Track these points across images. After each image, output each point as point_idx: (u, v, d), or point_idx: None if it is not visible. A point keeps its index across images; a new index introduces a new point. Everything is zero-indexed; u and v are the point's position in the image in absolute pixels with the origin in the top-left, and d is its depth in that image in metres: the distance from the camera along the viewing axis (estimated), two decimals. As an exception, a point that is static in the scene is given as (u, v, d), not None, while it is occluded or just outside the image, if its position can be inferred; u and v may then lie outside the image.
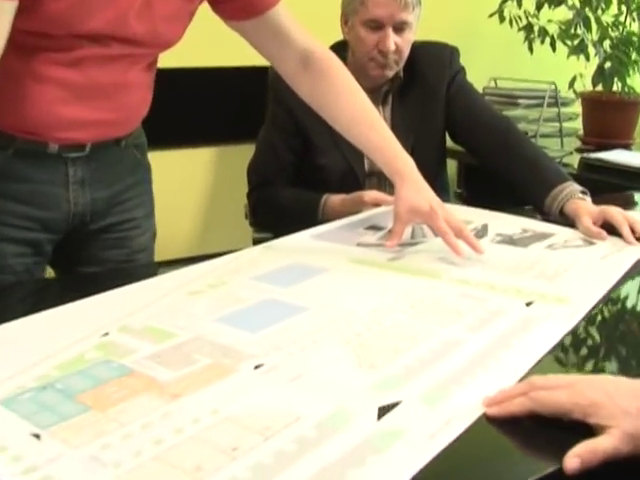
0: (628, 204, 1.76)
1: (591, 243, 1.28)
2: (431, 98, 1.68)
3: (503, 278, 1.06)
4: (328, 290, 1.01)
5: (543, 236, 1.31)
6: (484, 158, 1.64)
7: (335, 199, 1.58)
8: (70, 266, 1.21)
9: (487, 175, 1.77)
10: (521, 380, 0.74)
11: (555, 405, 0.65)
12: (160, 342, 0.83)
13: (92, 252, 1.20)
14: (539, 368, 0.78)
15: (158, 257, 1.32)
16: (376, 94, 1.66)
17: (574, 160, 2.42)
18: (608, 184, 2.04)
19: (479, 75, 2.16)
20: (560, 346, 0.85)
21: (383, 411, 0.68)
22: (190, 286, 1.02)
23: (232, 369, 0.76)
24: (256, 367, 0.77)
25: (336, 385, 0.73)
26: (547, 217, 1.48)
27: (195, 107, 2.14)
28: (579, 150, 2.52)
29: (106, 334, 0.85)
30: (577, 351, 0.87)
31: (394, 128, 1.64)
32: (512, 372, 0.77)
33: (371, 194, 1.50)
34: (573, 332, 0.89)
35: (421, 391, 0.72)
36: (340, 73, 1.24)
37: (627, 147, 2.47)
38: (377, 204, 1.49)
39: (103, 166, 1.16)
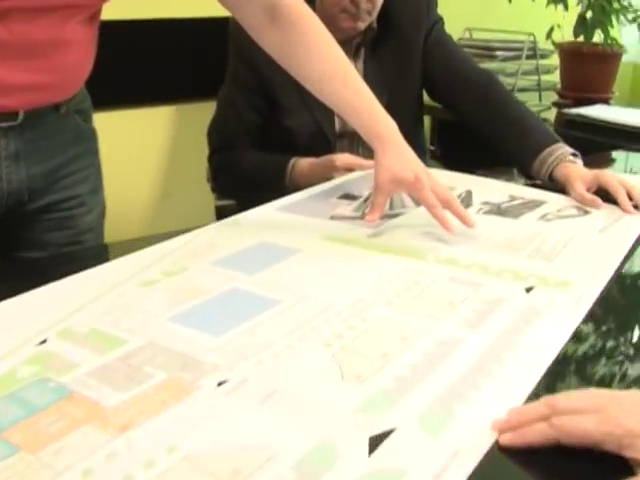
0: (611, 164, 1.66)
1: (586, 212, 1.17)
2: (407, 51, 1.54)
3: (496, 257, 0.95)
4: (301, 277, 0.89)
5: (534, 204, 1.20)
6: (465, 117, 1.52)
7: (303, 163, 1.45)
8: (9, 251, 1.06)
9: (463, 131, 1.65)
10: (535, 392, 0.63)
11: (583, 434, 0.54)
12: (106, 352, 0.70)
13: (33, 235, 1.05)
14: (553, 376, 0.67)
15: (109, 236, 1.18)
16: (347, 47, 1.52)
17: (552, 115, 2.31)
18: (590, 142, 1.93)
19: (452, 26, 2.01)
20: (573, 344, 0.74)
21: (375, 443, 0.56)
22: (143, 275, 0.89)
23: (191, 387, 0.64)
24: (220, 384, 0.65)
25: (317, 407, 0.62)
26: (534, 182, 1.37)
27: (149, 63, 1.97)
28: (557, 104, 2.41)
29: (43, 342, 0.72)
30: (593, 351, 0.76)
31: (367, 84, 1.52)
32: (522, 381, 0.66)
33: (343, 158, 1.38)
34: (584, 324, 0.78)
35: (418, 412, 0.61)
36: (312, 24, 1.09)
37: (606, 101, 2.37)
38: (350, 169, 1.37)
39: (40, 137, 1.00)
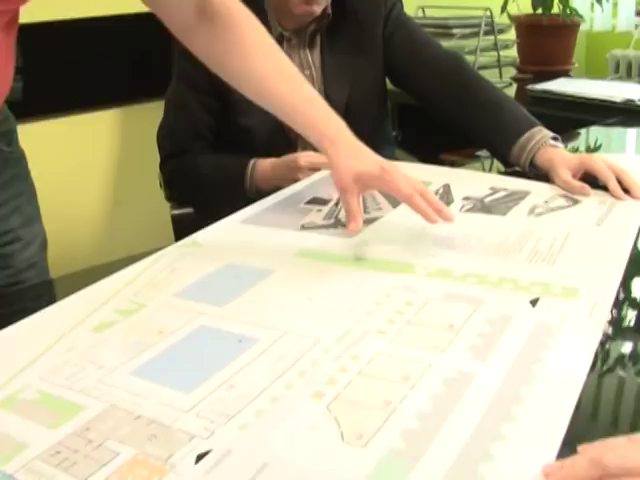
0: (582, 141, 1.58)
1: (575, 201, 1.08)
2: (366, 37, 1.44)
3: (491, 264, 0.85)
4: (277, 305, 0.78)
5: (518, 196, 1.11)
6: (434, 105, 1.41)
7: (265, 164, 1.34)
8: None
9: (425, 114, 1.55)
10: (567, 439, 0.54)
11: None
12: (60, 424, 0.59)
13: (-35, 278, 0.93)
14: (582, 414, 0.58)
15: (55, 268, 1.05)
16: (301, 36, 1.41)
17: (513, 91, 2.23)
18: (556, 118, 1.85)
19: (405, 4, 1.92)
20: (597, 369, 0.65)
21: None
22: (96, 316, 0.77)
23: (164, 467, 0.53)
24: (199, 458, 0.54)
25: (317, 483, 0.51)
26: (512, 169, 1.28)
27: (87, 65, 1.82)
28: (516, 80, 2.33)
29: (-21, 417, 0.60)
30: (622, 376, 0.67)
31: (326, 76, 1.41)
32: (550, 425, 0.57)
33: (307, 157, 1.27)
34: (604, 342, 0.69)
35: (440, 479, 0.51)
36: (247, 22, 0.97)
37: (566, 73, 2.30)
38: (315, 168, 1.26)
39: None
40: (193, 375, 0.65)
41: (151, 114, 1.58)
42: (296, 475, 0.52)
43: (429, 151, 1.90)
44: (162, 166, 1.46)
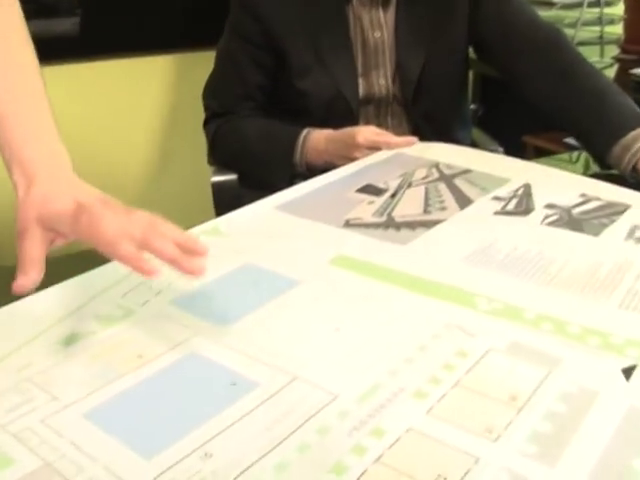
0: None
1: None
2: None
3: (573, 305, 0.67)
4: (293, 333, 0.61)
5: (615, 210, 0.90)
6: (524, 84, 1.21)
7: (318, 136, 1.17)
8: None
9: (511, 91, 1.35)
10: None
11: None
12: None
13: None
14: None
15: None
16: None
17: (612, 72, 1.99)
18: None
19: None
20: None
21: None
22: (69, 322, 0.62)
23: None
24: None
25: None
26: (609, 171, 1.08)
27: (142, 6, 1.66)
28: (619, 60, 2.08)
29: None
30: None
31: (399, 39, 1.21)
32: None
33: (367, 133, 1.09)
34: None
35: None
36: None
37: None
38: (375, 147, 1.08)
39: None
40: (162, 430, 0.49)
41: (206, 64, 1.41)
42: None
43: (511, 132, 1.70)
44: (206, 126, 1.30)
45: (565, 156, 1.73)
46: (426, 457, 0.47)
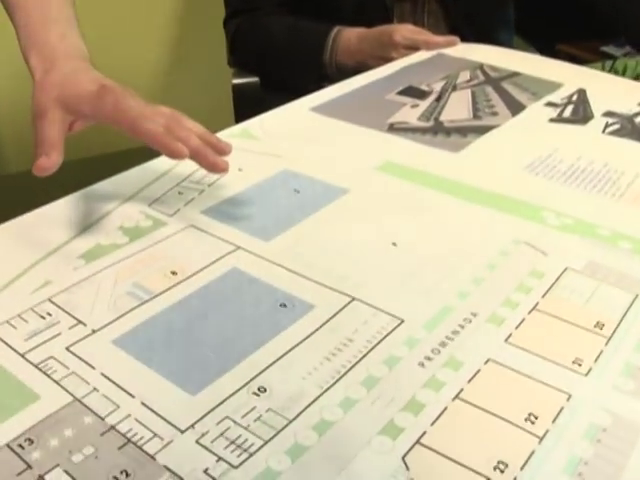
0: None
1: None
2: None
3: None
4: (344, 247, 0.54)
5: (680, 119, 0.82)
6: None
7: (350, 34, 1.07)
8: None
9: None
10: None
11: None
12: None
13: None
14: None
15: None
16: None
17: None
18: None
19: None
20: None
21: None
22: (90, 234, 0.55)
23: None
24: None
25: None
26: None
27: None
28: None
29: None
30: None
31: None
32: None
33: (405, 31, 1.00)
34: None
35: None
36: None
37: None
38: (413, 47, 0.99)
39: None
40: (207, 359, 0.43)
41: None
42: None
43: (544, 39, 1.59)
44: (226, 24, 1.20)
45: (598, 65, 1.63)
46: (511, 393, 0.41)
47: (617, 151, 0.72)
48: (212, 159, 0.55)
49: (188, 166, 0.63)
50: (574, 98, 0.86)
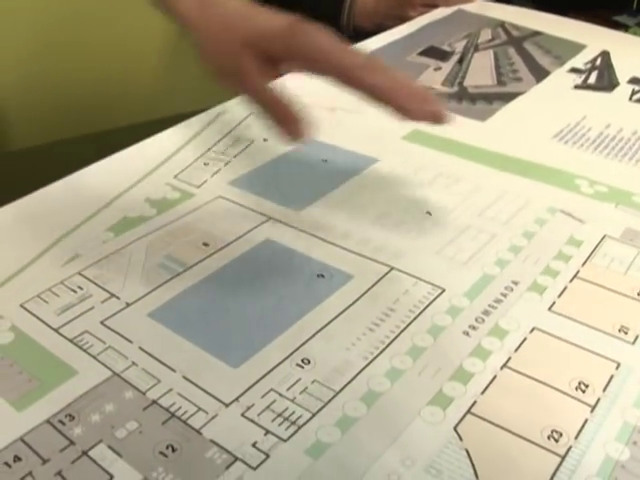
0: None
1: None
2: None
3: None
4: (379, 216, 0.53)
5: None
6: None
7: (367, -4, 1.05)
8: None
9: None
10: None
11: None
12: (29, 402, 0.37)
13: None
14: None
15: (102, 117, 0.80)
16: None
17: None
18: None
19: None
20: None
21: None
22: (116, 207, 0.54)
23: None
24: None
25: None
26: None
27: None
28: None
29: None
30: None
31: None
32: None
33: None
34: None
35: None
36: None
37: None
38: (432, 4, 0.98)
39: None
40: (246, 331, 0.41)
41: None
42: None
43: (553, 7, 1.57)
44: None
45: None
46: (560, 361, 0.40)
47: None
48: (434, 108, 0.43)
49: (211, 135, 0.62)
50: (598, 63, 0.85)
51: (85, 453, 0.34)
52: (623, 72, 0.82)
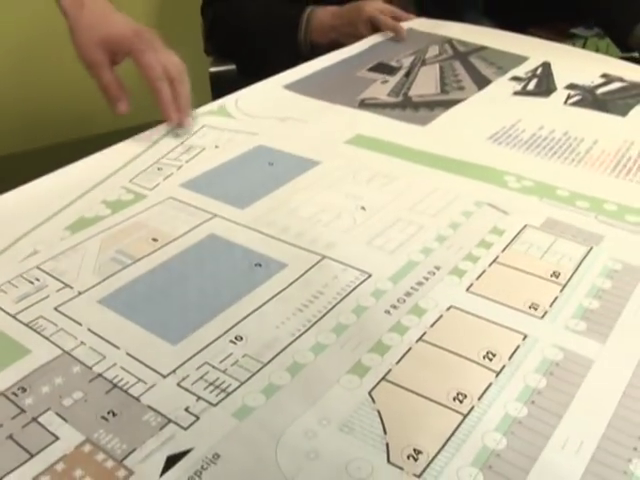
0: None
1: None
2: None
3: (607, 183, 0.64)
4: (316, 212, 0.58)
5: (638, 91, 0.86)
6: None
7: (324, 13, 1.10)
8: None
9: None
10: None
11: None
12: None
13: None
14: None
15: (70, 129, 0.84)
16: None
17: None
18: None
19: None
20: None
21: None
22: (75, 207, 0.58)
23: (114, 475, 0.35)
24: (169, 463, 0.35)
25: None
26: (631, 54, 1.02)
27: None
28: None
29: None
30: None
31: None
32: None
33: (375, 3, 1.03)
34: None
35: None
36: None
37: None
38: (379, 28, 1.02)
39: None
40: (186, 314, 0.46)
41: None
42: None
43: (514, 23, 1.62)
44: (203, 11, 1.22)
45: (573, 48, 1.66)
46: (471, 334, 0.44)
47: (577, 120, 0.76)
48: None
49: (167, 144, 0.66)
50: (539, 72, 0.90)
51: (35, 419, 0.38)
52: (562, 79, 0.87)
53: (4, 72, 1.07)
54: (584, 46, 1.67)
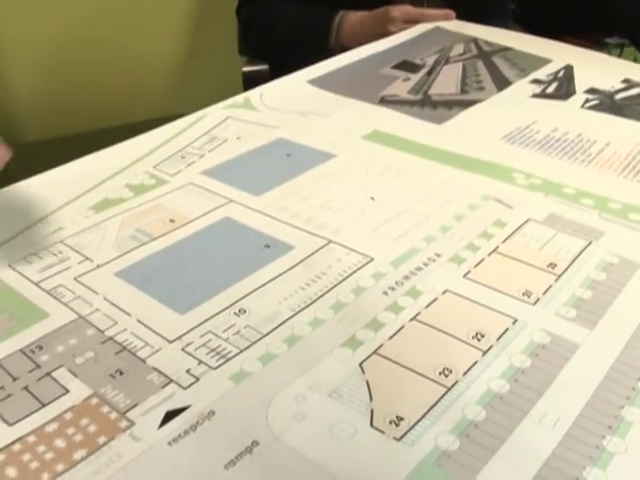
0: None
1: None
2: None
3: (614, 184, 0.65)
4: (327, 200, 0.60)
5: (659, 94, 0.87)
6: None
7: (353, 17, 1.13)
8: None
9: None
10: None
11: None
12: (8, 335, 0.44)
13: None
14: None
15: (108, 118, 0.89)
16: None
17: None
18: None
19: None
20: None
21: None
22: (99, 190, 0.62)
23: (116, 426, 0.38)
24: (167, 418, 0.38)
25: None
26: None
27: None
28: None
29: None
30: None
31: None
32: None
33: (401, 7, 1.05)
34: None
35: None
36: None
37: None
38: (411, 20, 1.05)
39: None
40: (196, 288, 0.49)
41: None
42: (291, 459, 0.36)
43: (549, 32, 1.64)
44: (238, 12, 1.26)
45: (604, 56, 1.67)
46: (463, 316, 0.47)
47: (592, 123, 0.77)
48: None
49: (192, 134, 0.69)
50: (560, 75, 0.91)
51: (48, 374, 0.41)
52: (582, 83, 0.89)
53: (44, 62, 1.11)
54: (620, 55, 1.68)
